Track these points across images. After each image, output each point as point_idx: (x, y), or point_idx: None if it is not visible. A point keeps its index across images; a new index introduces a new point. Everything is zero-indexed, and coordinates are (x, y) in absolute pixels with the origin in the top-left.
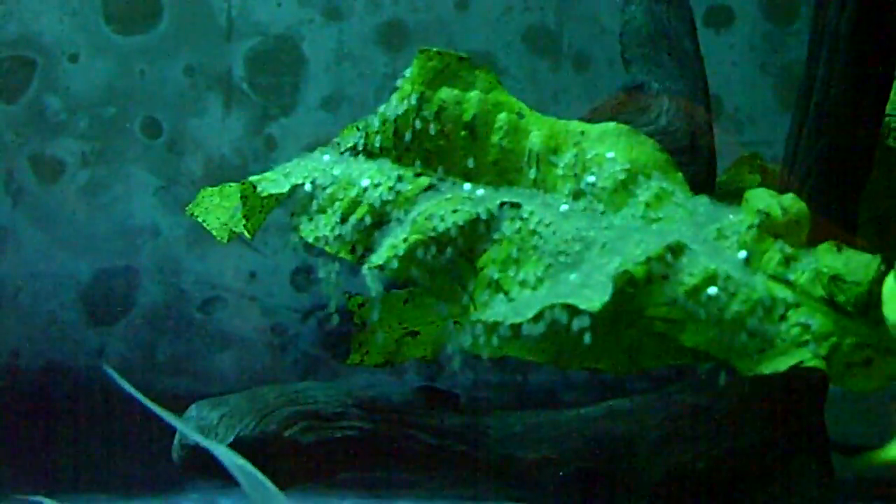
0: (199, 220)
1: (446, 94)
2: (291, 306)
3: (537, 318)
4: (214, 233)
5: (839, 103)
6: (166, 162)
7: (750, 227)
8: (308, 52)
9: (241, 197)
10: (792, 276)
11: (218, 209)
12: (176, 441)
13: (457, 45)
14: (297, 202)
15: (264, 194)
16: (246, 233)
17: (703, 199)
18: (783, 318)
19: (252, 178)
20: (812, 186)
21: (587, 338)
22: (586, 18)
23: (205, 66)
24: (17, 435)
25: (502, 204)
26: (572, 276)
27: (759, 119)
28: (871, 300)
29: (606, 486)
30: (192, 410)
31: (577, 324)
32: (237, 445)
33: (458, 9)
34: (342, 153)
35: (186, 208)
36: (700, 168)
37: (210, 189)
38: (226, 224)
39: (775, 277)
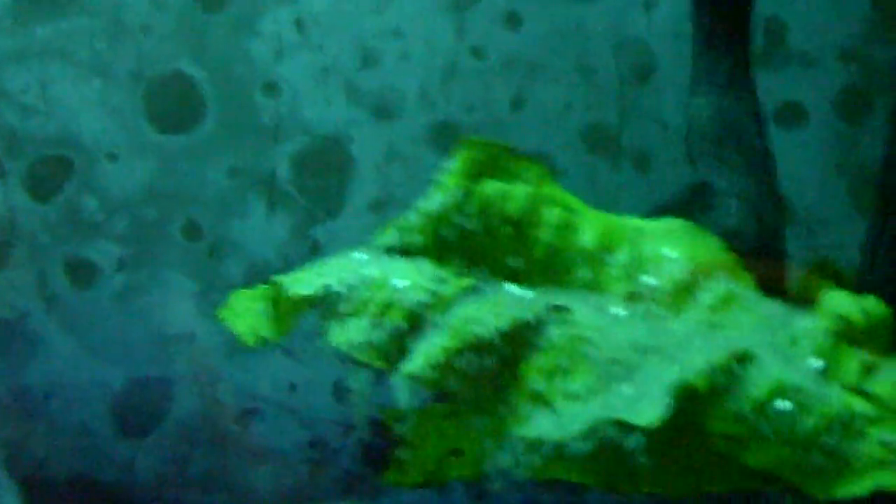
0: (230, 325)
1: (491, 187)
2: (333, 419)
3: (586, 435)
4: (245, 338)
5: None
6: (206, 266)
7: (826, 333)
8: (356, 152)
9: (270, 298)
10: (872, 388)
11: (248, 313)
12: None
13: (513, 144)
14: (326, 304)
15: (293, 295)
16: (275, 337)
17: (775, 304)
18: (862, 434)
19: (280, 278)
20: (892, 294)
21: (642, 458)
22: (648, 116)
23: (249, 166)
24: None
25: (550, 307)
26: (625, 388)
27: (832, 222)
28: None
29: None
30: None
31: (630, 442)
32: None
33: (514, 107)
34: (378, 253)
35: (217, 312)
36: (770, 273)
37: (243, 291)
38: (255, 328)
39: (854, 389)
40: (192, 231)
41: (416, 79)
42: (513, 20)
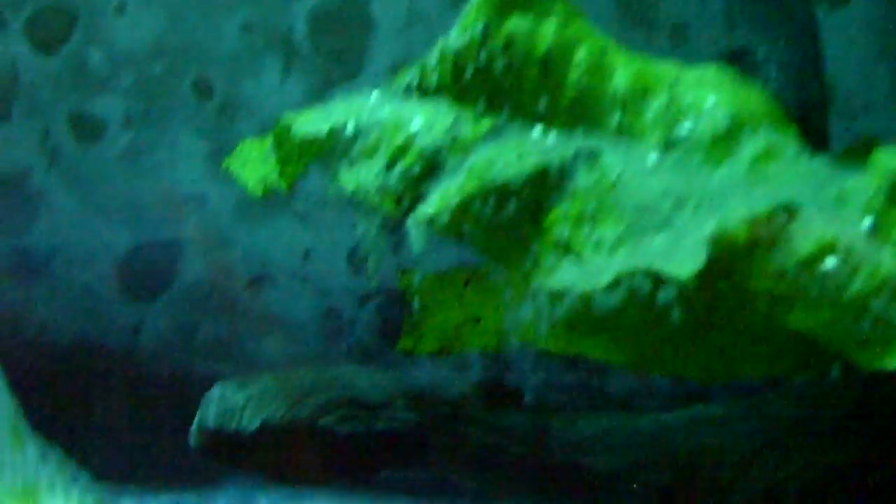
0: (235, 174)
1: (517, 23)
2: (348, 288)
3: (613, 286)
4: (249, 187)
5: None
6: (217, 126)
7: (878, 190)
8: (377, 12)
9: (275, 141)
10: None
11: (256, 162)
12: (195, 424)
13: None
14: (337, 146)
15: (300, 137)
16: (282, 183)
17: (823, 159)
18: None
19: (287, 118)
20: None
21: (675, 313)
22: None
23: (264, 23)
24: (40, 417)
25: (577, 152)
26: (658, 239)
27: (876, 107)
28: None
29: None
30: (216, 391)
31: (662, 295)
32: (263, 433)
33: None
34: (394, 94)
35: (224, 162)
36: (811, 148)
37: (251, 141)
38: (263, 177)
39: None
40: (203, 88)
41: None
42: None
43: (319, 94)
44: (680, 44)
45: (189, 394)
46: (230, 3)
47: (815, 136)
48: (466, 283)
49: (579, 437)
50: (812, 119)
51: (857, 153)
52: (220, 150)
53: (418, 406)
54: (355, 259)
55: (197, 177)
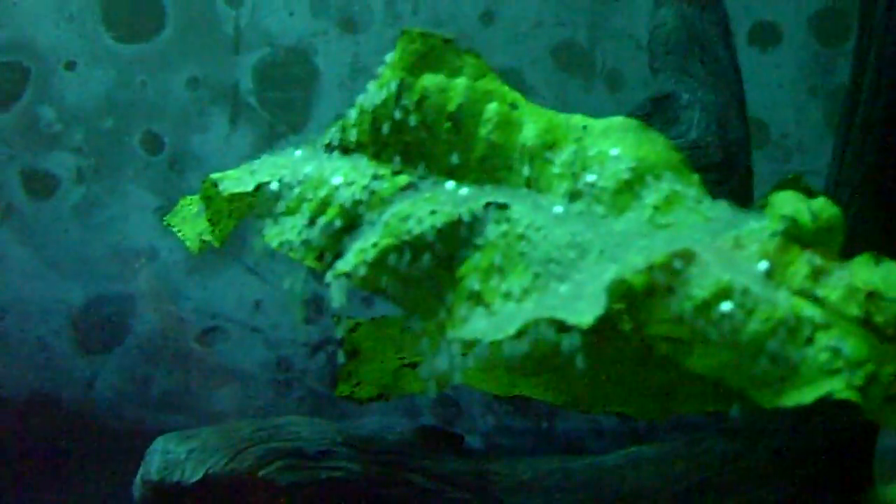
0: (176, 231)
1: (430, 80)
2: (299, 339)
3: (521, 334)
4: (188, 244)
5: (884, 124)
6: (167, 180)
7: (773, 234)
8: (321, 65)
9: (204, 198)
10: (821, 292)
11: (196, 219)
12: (138, 477)
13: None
14: (262, 202)
15: (226, 194)
16: (214, 240)
17: (723, 205)
18: (810, 340)
19: (214, 176)
20: (856, 212)
21: (578, 359)
22: (621, 35)
23: (210, 78)
24: None
25: (488, 204)
26: (563, 288)
27: (809, 146)
28: None
29: None
30: (159, 443)
31: (566, 342)
32: (206, 484)
33: (483, 22)
34: (317, 150)
35: (164, 219)
36: (734, 186)
37: (190, 197)
38: (199, 234)
39: (802, 293)
40: (153, 143)
41: None
42: None
43: (266, 146)
44: (616, 90)
45: (143, 446)
46: (177, 59)
47: (739, 176)
48: (402, 330)
49: (518, 480)
50: (735, 159)
51: (785, 189)
52: (170, 204)
53: (360, 454)
54: (306, 310)
55: (148, 230)
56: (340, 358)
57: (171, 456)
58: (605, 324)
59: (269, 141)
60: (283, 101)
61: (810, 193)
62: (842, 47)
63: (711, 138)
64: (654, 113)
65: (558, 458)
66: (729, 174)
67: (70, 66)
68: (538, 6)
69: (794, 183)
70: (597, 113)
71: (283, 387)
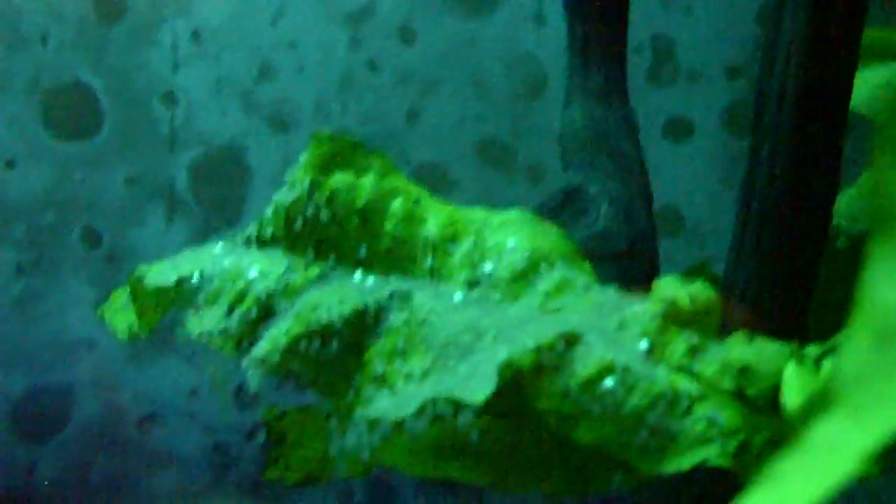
0: (108, 321)
1: (339, 179)
2: (234, 424)
3: (420, 413)
4: (118, 335)
5: (781, 207)
6: (105, 273)
7: (654, 316)
8: (253, 162)
9: (132, 291)
10: (698, 368)
11: (126, 310)
12: None
13: (408, 156)
14: (183, 295)
15: (151, 287)
16: (141, 331)
17: (611, 290)
18: (687, 412)
19: (139, 270)
20: (755, 294)
21: (474, 434)
22: (541, 130)
23: (146, 175)
24: None
25: (392, 294)
26: (461, 368)
27: (722, 232)
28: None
29: None
30: None
31: (462, 419)
32: None
33: (409, 120)
34: (236, 245)
35: (96, 311)
36: (639, 272)
37: (121, 289)
38: (129, 325)
39: (680, 369)
40: (91, 238)
41: (311, 90)
42: (407, 34)
43: (202, 240)
44: (537, 182)
45: None
46: (114, 158)
47: (643, 264)
48: (328, 417)
49: None
50: (641, 248)
51: (693, 275)
52: (108, 296)
53: None
54: (241, 397)
55: (87, 322)
56: (262, 441)
57: None
58: (498, 400)
59: (205, 235)
60: (218, 197)
61: (714, 280)
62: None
63: (618, 228)
64: (565, 204)
65: None
66: (634, 261)
67: (10, 164)
68: (461, 105)
69: (700, 270)
70: (519, 204)
71: (220, 470)
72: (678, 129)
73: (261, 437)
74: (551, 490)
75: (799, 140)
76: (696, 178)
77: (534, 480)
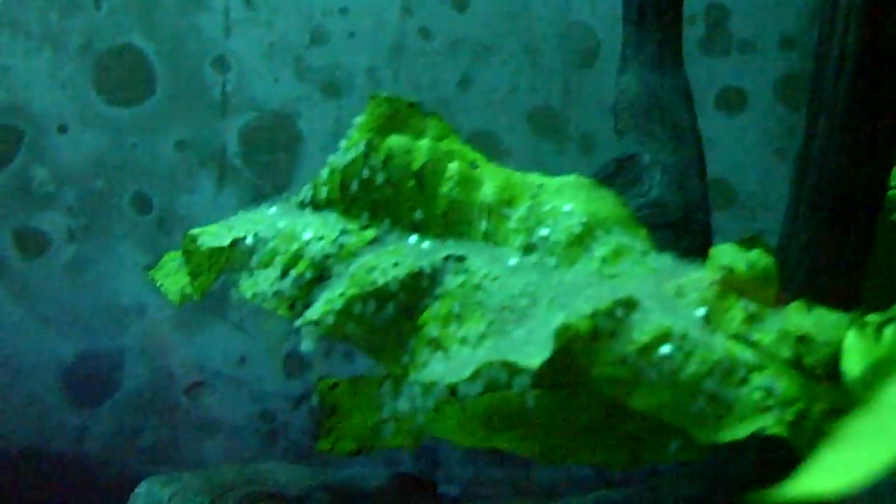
0: (159, 284)
1: (395, 141)
2: (282, 392)
3: (474, 377)
4: (170, 297)
5: (837, 177)
6: (155, 239)
7: (712, 283)
8: (305, 129)
9: (185, 253)
10: (756, 337)
11: (178, 273)
12: None
13: (460, 124)
14: (238, 256)
15: (205, 249)
16: (195, 294)
17: (667, 257)
18: (744, 381)
19: (194, 231)
20: (809, 266)
21: (529, 399)
22: (592, 100)
23: (198, 140)
24: None
25: (447, 257)
26: (516, 333)
27: (774, 206)
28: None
29: None
30: (143, 486)
31: (517, 383)
32: None
33: (460, 88)
34: (290, 207)
35: (147, 276)
36: (693, 243)
37: (173, 253)
38: (181, 289)
39: (737, 337)
40: (141, 204)
41: (363, 57)
42: (459, 1)
43: (251, 206)
44: (588, 152)
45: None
46: (166, 123)
47: (696, 234)
48: (380, 386)
49: None
50: (693, 218)
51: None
52: (158, 262)
53: (337, 499)
54: (289, 365)
55: (137, 287)
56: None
57: (154, 498)
58: (554, 366)
59: (255, 201)
60: (268, 163)
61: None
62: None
63: (671, 197)
64: (618, 173)
65: (532, 501)
66: (687, 231)
67: (63, 129)
68: (513, 73)
69: (751, 242)
70: (569, 173)
71: (267, 438)
72: (731, 101)
73: (309, 405)
74: (600, 462)
75: (856, 110)
76: (748, 151)
77: (582, 452)
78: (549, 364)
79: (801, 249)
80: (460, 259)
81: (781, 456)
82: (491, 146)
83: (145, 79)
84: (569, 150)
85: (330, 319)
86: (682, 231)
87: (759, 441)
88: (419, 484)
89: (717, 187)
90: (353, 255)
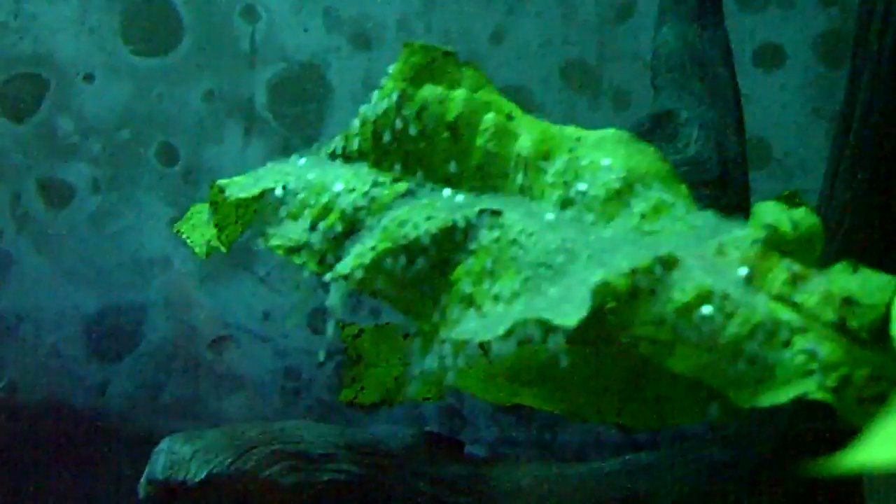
0: (185, 237)
1: (429, 91)
2: (306, 349)
3: (508, 334)
4: (196, 250)
5: (876, 143)
6: (181, 191)
7: (754, 241)
8: (334, 81)
9: (212, 204)
10: (799, 298)
11: (205, 226)
12: (144, 476)
13: (492, 77)
14: (266, 208)
15: (232, 199)
16: (221, 246)
17: (709, 214)
18: (787, 344)
19: (221, 182)
20: (849, 226)
21: (563, 358)
22: (627, 55)
23: (226, 91)
24: (9, 476)
25: (482, 211)
26: (552, 290)
27: (811, 165)
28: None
29: None
30: (165, 443)
31: (552, 342)
32: (210, 483)
33: (492, 41)
34: (320, 158)
35: (174, 226)
36: (731, 201)
37: (199, 205)
38: (207, 241)
39: (780, 298)
40: (168, 155)
41: (394, 8)
42: None
43: (279, 158)
44: (622, 108)
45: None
46: (193, 73)
47: (735, 191)
48: (405, 336)
49: (516, 486)
50: (732, 175)
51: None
52: (184, 214)
53: (361, 458)
54: (314, 321)
55: (162, 240)
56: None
57: (176, 456)
58: (590, 325)
59: (284, 153)
60: (297, 115)
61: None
62: (845, 69)
63: (709, 154)
64: (655, 129)
65: (556, 465)
66: (725, 189)
67: (88, 78)
68: (547, 26)
69: (789, 200)
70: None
71: (291, 395)
72: (769, 58)
73: (335, 362)
74: (626, 422)
75: None
76: (785, 109)
77: (609, 411)
78: (585, 323)
79: (841, 209)
80: (495, 213)
81: (814, 426)
82: (523, 101)
83: (173, 28)
84: (603, 106)
85: (359, 274)
86: (720, 189)
87: (793, 407)
88: (447, 443)
89: (753, 146)
90: (385, 207)
